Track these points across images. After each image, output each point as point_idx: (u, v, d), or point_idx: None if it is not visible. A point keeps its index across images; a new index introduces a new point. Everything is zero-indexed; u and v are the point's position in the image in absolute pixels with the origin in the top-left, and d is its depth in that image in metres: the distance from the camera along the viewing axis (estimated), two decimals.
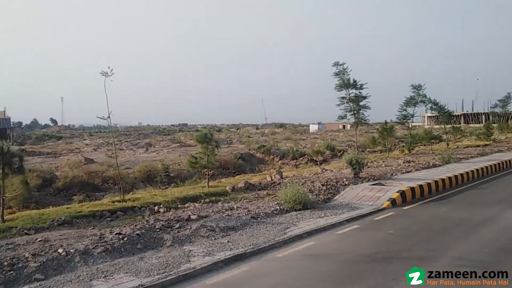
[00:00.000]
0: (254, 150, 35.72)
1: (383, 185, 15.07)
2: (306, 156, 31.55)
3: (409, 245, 8.98)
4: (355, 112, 28.23)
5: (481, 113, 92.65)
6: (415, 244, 9.07)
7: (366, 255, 8.22)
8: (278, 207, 12.21)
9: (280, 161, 31.83)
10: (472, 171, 18.65)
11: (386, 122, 30.45)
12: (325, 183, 15.30)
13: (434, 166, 21.02)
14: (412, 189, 14.23)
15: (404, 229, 10.38)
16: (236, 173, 25.87)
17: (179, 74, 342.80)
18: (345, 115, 28.78)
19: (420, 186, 14.71)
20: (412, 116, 32.58)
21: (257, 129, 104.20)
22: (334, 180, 15.97)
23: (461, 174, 17.59)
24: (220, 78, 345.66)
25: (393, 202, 13.02)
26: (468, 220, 10.96)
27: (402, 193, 13.56)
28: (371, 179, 16.45)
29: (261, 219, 11.09)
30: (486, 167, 20.15)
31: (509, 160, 23.07)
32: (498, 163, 21.56)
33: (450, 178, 16.61)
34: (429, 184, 15.19)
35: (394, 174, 18.01)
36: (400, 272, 7.12)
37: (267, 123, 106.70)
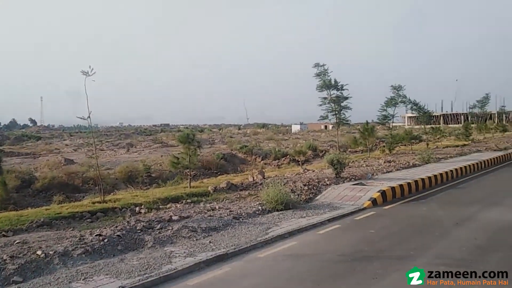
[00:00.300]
0: (236, 150, 35.72)
1: (364, 185, 15.21)
2: (288, 156, 31.70)
3: (390, 244, 9.08)
4: (337, 112, 28.34)
5: (460, 113, 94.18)
6: (395, 243, 9.18)
7: (347, 255, 8.29)
8: (260, 207, 12.20)
9: (262, 161, 31.90)
10: (451, 170, 18.97)
11: (367, 123, 30.74)
12: (307, 183, 15.38)
13: (414, 166, 21.30)
14: (393, 188, 14.40)
15: (385, 228, 10.51)
16: (218, 173, 25.82)
17: (161, 74, 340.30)
18: (327, 116, 28.86)
19: (401, 185, 14.90)
20: (393, 116, 32.78)
21: (239, 129, 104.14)
22: (316, 180, 16.06)
23: (441, 174, 17.86)
24: (202, 78, 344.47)
25: (374, 201, 13.15)
26: (447, 219, 11.14)
27: (383, 193, 13.72)
28: (353, 179, 16.59)
29: (243, 219, 11.08)
30: (465, 166, 20.52)
31: (487, 160, 23.54)
32: (477, 163, 21.97)
33: (429, 177, 16.87)
34: (409, 183, 15.40)
35: (375, 174, 18.20)
36: (381, 271, 7.23)
37: (249, 123, 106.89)
